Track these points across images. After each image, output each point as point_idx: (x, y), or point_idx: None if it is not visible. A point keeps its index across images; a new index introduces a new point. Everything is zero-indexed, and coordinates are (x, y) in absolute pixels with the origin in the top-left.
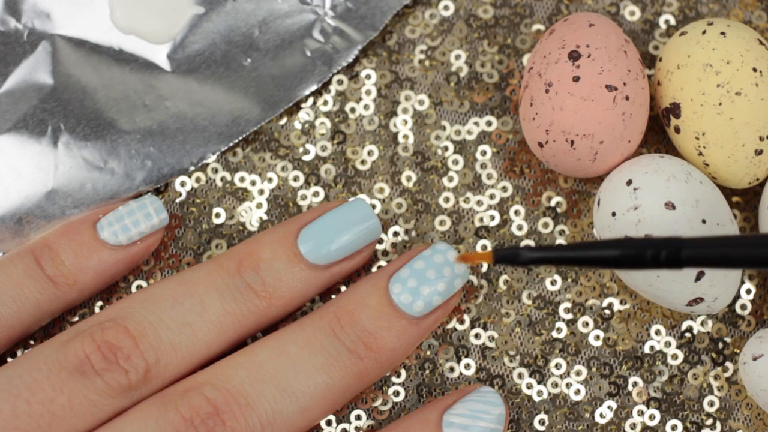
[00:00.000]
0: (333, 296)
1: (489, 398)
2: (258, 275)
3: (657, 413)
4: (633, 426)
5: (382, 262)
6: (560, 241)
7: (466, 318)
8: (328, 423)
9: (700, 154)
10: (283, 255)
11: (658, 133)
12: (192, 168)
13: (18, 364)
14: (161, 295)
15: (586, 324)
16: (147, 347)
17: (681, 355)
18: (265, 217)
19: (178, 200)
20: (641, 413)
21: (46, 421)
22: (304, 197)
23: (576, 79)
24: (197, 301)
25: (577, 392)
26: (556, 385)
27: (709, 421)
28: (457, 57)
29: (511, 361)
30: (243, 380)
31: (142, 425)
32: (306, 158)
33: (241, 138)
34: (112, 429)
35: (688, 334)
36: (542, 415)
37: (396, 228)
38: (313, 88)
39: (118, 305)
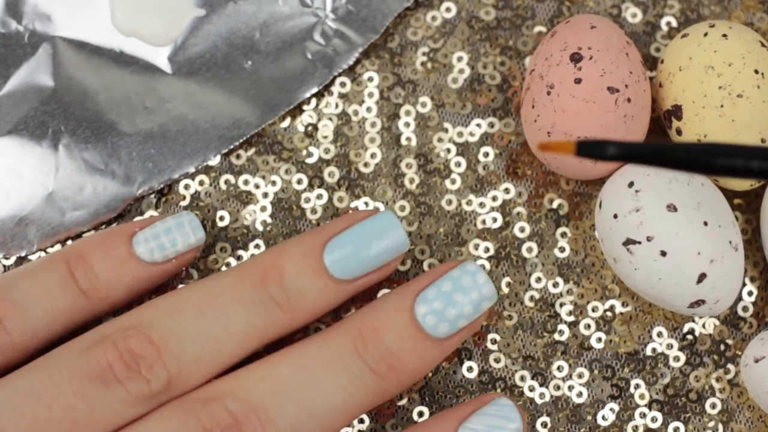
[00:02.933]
0: (353, 307)
1: (506, 412)
2: (282, 289)
3: (659, 415)
4: (635, 428)
5: None
6: (562, 244)
7: None
8: None
9: None
10: (308, 268)
11: (660, 135)
12: (193, 170)
13: (39, 368)
14: (185, 304)
15: (588, 326)
16: (170, 358)
17: (683, 357)
18: (269, 220)
19: (182, 203)
20: (643, 416)
21: (66, 428)
22: (307, 200)
23: (578, 81)
24: (222, 313)
25: (579, 395)
26: (558, 387)
27: (711, 424)
28: (459, 59)
29: (513, 364)
30: (264, 394)
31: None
32: (309, 161)
33: (241, 141)
34: None
35: (690, 337)
36: (544, 418)
37: None
38: (314, 90)
39: (141, 311)
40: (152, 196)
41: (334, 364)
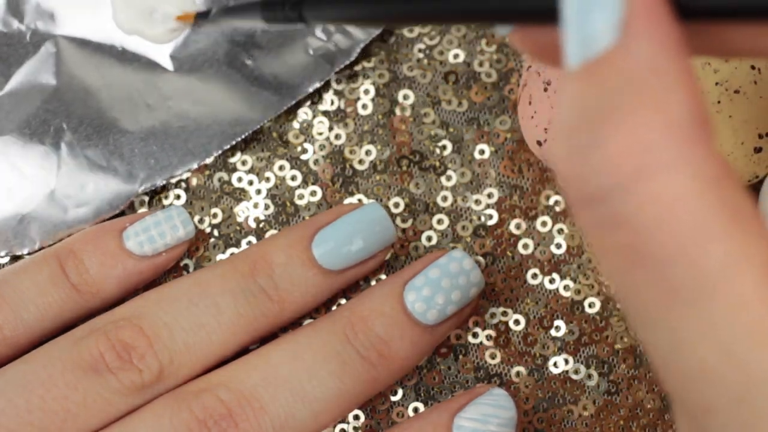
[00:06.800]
0: (343, 299)
1: (500, 401)
2: (271, 279)
3: None
4: None
5: None
6: (559, 241)
7: None
8: None
9: None
10: (296, 259)
11: None
12: (195, 167)
13: (32, 360)
14: (176, 295)
15: (585, 322)
16: (161, 347)
17: None
18: (262, 217)
19: (175, 202)
20: None
21: (60, 418)
22: (301, 197)
23: None
24: (212, 303)
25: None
26: (554, 383)
27: None
28: (456, 56)
29: (508, 360)
30: (257, 383)
31: (156, 423)
32: (304, 158)
33: (243, 136)
34: (126, 426)
35: None
36: (540, 414)
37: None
38: (316, 86)
39: (132, 304)
40: (145, 195)
41: (325, 352)
